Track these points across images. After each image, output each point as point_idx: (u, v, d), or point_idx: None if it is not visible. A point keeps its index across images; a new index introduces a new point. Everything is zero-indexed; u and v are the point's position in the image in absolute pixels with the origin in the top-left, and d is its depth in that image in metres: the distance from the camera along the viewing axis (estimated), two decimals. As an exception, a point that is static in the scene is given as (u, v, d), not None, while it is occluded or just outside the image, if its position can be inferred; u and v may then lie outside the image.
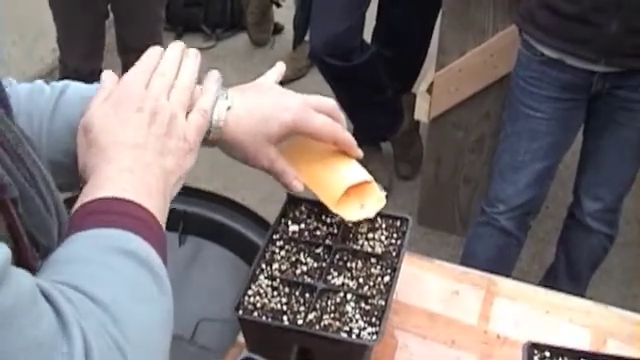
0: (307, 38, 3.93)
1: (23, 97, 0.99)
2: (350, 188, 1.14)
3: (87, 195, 0.81)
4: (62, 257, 0.74)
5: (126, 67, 3.22)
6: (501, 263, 2.56)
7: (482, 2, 2.75)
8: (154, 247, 0.78)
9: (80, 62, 3.10)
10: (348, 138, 1.12)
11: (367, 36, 3.37)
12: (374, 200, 1.19)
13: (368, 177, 1.15)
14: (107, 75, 0.97)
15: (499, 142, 2.57)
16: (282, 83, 3.49)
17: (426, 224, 3.28)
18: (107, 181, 0.82)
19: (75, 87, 1.04)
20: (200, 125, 0.95)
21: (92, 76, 3.13)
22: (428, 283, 1.40)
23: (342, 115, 1.12)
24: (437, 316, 1.34)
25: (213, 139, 1.02)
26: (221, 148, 1.05)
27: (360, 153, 1.15)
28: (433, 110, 3.03)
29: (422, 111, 3.09)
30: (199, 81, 1.01)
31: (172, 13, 4.42)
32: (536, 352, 1.11)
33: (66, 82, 1.04)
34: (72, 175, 0.93)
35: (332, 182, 1.14)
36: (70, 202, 0.83)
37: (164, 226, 0.84)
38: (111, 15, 3.21)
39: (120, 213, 0.79)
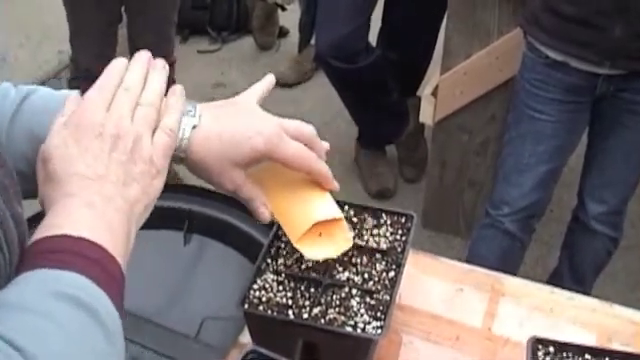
0: (312, 41, 3.95)
1: None
2: (317, 224, 1.08)
3: (41, 232, 0.75)
4: (2, 301, 0.68)
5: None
6: (505, 266, 2.56)
7: (487, 5, 2.75)
8: (107, 292, 0.72)
9: (91, 62, 3.10)
10: (323, 169, 1.06)
11: (372, 39, 3.38)
12: (340, 240, 1.12)
13: (338, 214, 1.09)
14: (69, 98, 0.90)
15: (504, 145, 2.57)
16: (289, 86, 3.54)
17: (430, 227, 3.29)
18: (64, 217, 0.77)
19: (42, 93, 0.99)
20: (167, 145, 0.88)
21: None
22: (433, 281, 1.41)
23: (322, 144, 1.07)
24: (441, 314, 1.34)
25: (175, 157, 0.95)
26: (185, 165, 0.99)
27: (336, 186, 1.09)
28: (438, 113, 3.04)
29: (427, 114, 3.09)
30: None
31: (178, 16, 4.44)
32: (540, 347, 1.11)
33: (34, 87, 1.00)
34: (33, 184, 0.87)
35: (299, 215, 1.08)
36: (38, 218, 0.79)
37: (124, 266, 0.78)
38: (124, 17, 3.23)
39: (73, 253, 0.73)
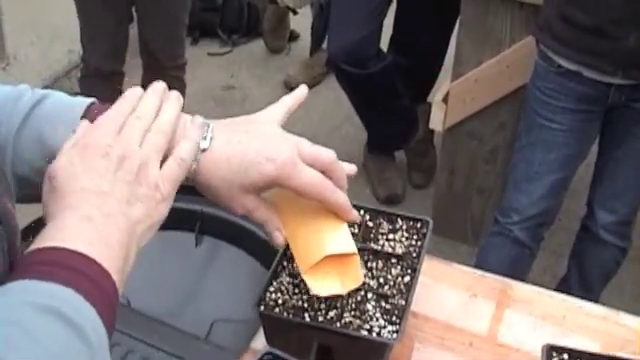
0: (324, 46, 3.97)
1: None
2: (329, 257, 1.01)
3: (35, 244, 0.74)
4: None
5: (146, 69, 3.24)
6: (513, 273, 2.54)
7: (499, 13, 2.76)
8: (96, 306, 0.71)
9: (102, 61, 3.11)
10: (339, 200, 0.99)
11: (384, 45, 3.39)
12: (351, 277, 1.05)
13: (352, 249, 1.02)
14: (81, 124, 0.88)
15: (514, 152, 2.58)
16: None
17: (438, 233, 3.28)
18: (60, 229, 0.76)
19: (56, 99, 0.97)
20: (176, 175, 0.86)
21: (113, 76, 3.16)
22: (446, 287, 1.41)
23: (342, 170, 1.00)
24: (454, 320, 1.35)
25: (186, 180, 0.92)
26: (195, 187, 0.96)
27: (355, 217, 1.03)
28: (448, 120, 3.05)
29: (437, 120, 3.10)
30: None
31: (189, 18, 4.46)
32: (554, 355, 1.11)
33: (49, 92, 0.98)
34: (35, 189, 0.87)
35: (311, 245, 1.02)
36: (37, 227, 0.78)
37: (120, 283, 0.76)
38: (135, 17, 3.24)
39: (64, 266, 0.72)
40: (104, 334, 0.71)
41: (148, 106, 0.89)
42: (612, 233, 2.52)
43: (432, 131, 3.43)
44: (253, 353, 1.23)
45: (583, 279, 2.68)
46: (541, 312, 1.37)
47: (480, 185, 3.15)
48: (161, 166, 0.86)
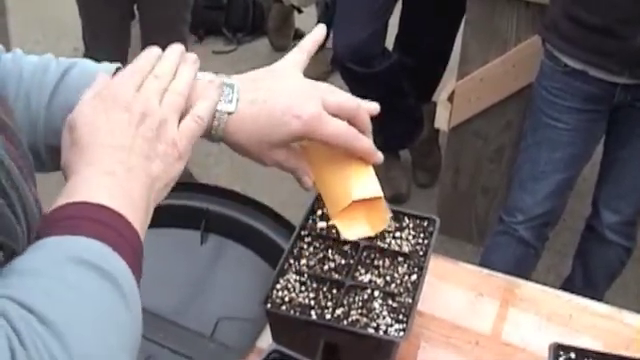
0: (328, 45, 3.96)
1: (26, 74, 0.96)
2: (357, 202, 1.02)
3: (60, 199, 0.76)
4: (18, 267, 0.68)
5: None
6: (518, 273, 2.55)
7: (505, 12, 2.76)
8: (125, 259, 0.73)
9: (104, 59, 3.09)
10: (364, 146, 1.00)
11: (389, 44, 3.39)
12: (379, 219, 1.06)
13: (378, 193, 1.03)
14: (99, 75, 0.91)
15: (519, 152, 2.57)
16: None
17: (443, 232, 3.25)
18: (84, 184, 0.77)
19: (82, 67, 0.99)
20: (193, 132, 0.88)
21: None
22: (452, 286, 1.41)
23: (365, 115, 1.01)
24: (461, 318, 1.35)
25: (214, 140, 0.96)
26: (226, 144, 0.99)
27: (380, 157, 1.03)
28: (453, 119, 3.04)
29: (442, 119, 3.10)
30: None
31: (193, 16, 4.43)
32: (562, 353, 1.11)
33: (74, 60, 1.00)
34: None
35: (339, 191, 1.03)
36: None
37: (143, 235, 0.79)
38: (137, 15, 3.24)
39: (91, 220, 0.74)
40: (135, 285, 0.73)
41: (166, 66, 0.91)
42: (617, 233, 2.52)
43: (437, 130, 3.43)
44: (259, 352, 1.23)
45: (587, 278, 2.67)
46: (547, 311, 1.37)
47: (485, 184, 3.15)
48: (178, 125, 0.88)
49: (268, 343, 1.20)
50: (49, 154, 0.95)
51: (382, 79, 3.16)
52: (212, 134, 0.95)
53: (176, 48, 0.94)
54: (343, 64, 3.12)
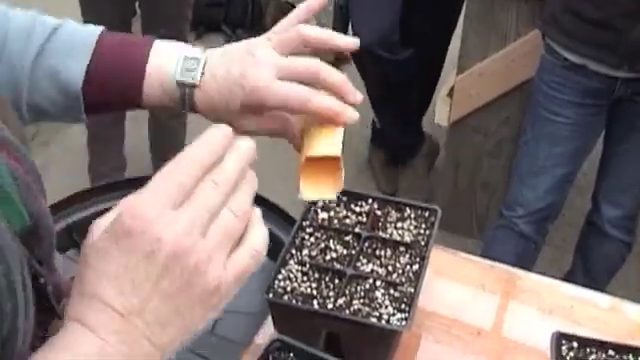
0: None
1: (12, 34, 0.94)
2: (320, 163, 0.94)
3: (46, 347, 0.64)
4: None
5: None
6: (519, 267, 2.56)
7: (505, 6, 2.75)
8: None
9: None
10: (319, 107, 0.91)
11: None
12: (339, 182, 0.95)
13: (331, 152, 0.93)
14: (124, 200, 0.66)
15: (519, 147, 2.57)
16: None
17: (443, 227, 3.26)
18: (66, 349, 0.63)
19: (67, 30, 0.96)
20: (246, 270, 0.68)
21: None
22: (454, 276, 1.41)
23: (327, 71, 0.93)
24: (463, 308, 1.34)
25: (186, 110, 0.96)
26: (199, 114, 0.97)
27: (347, 116, 0.93)
28: (453, 114, 3.04)
29: (442, 114, 3.10)
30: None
31: (193, 13, 4.45)
32: (564, 342, 1.11)
33: (60, 21, 0.98)
34: (51, 118, 0.90)
35: (303, 153, 0.96)
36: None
37: None
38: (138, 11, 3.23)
39: None
40: None
41: (230, 171, 0.69)
42: (617, 227, 2.52)
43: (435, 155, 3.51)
44: (256, 348, 1.22)
45: (588, 273, 2.67)
46: (549, 302, 1.37)
47: (485, 179, 3.15)
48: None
49: (268, 337, 1.19)
50: (30, 111, 0.95)
51: (404, 68, 3.18)
52: (181, 105, 0.94)
53: (241, 151, 0.71)
54: (372, 51, 3.13)
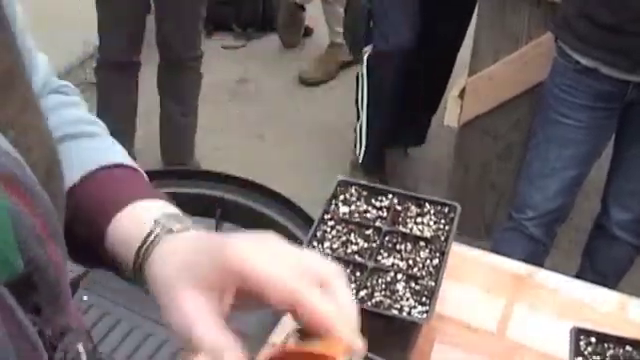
0: (339, 40, 4.01)
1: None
2: None
3: None
4: None
5: (163, 60, 3.24)
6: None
7: (517, 9, 2.77)
8: None
9: (119, 51, 3.13)
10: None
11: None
12: None
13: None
14: None
15: (529, 149, 2.58)
16: (313, 85, 3.53)
17: (450, 229, 3.29)
18: None
19: (82, 145, 0.86)
20: None
21: (129, 66, 3.18)
22: (470, 271, 1.42)
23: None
24: (480, 303, 1.36)
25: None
26: None
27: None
28: (463, 115, 3.06)
29: (453, 116, 3.11)
30: None
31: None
32: (582, 337, 1.13)
33: (92, 131, 0.88)
34: None
35: None
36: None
37: None
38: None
39: None
40: None
41: None
42: (626, 231, 2.53)
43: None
44: (269, 347, 1.23)
45: (596, 276, 2.68)
46: (560, 300, 1.38)
47: (494, 182, 3.16)
48: None
49: (284, 335, 1.19)
50: None
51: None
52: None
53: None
54: (393, 62, 3.18)
